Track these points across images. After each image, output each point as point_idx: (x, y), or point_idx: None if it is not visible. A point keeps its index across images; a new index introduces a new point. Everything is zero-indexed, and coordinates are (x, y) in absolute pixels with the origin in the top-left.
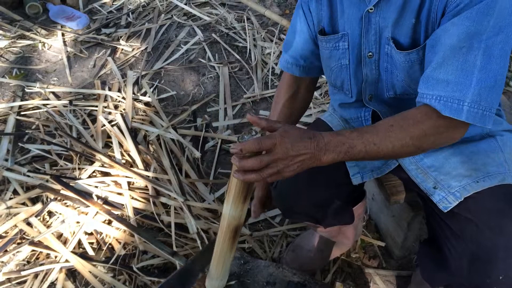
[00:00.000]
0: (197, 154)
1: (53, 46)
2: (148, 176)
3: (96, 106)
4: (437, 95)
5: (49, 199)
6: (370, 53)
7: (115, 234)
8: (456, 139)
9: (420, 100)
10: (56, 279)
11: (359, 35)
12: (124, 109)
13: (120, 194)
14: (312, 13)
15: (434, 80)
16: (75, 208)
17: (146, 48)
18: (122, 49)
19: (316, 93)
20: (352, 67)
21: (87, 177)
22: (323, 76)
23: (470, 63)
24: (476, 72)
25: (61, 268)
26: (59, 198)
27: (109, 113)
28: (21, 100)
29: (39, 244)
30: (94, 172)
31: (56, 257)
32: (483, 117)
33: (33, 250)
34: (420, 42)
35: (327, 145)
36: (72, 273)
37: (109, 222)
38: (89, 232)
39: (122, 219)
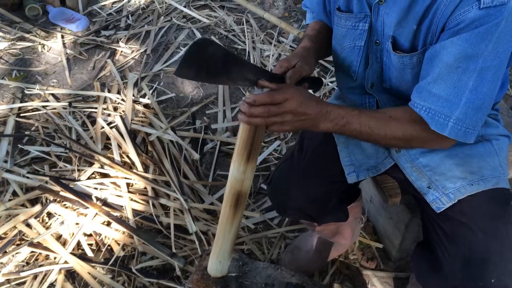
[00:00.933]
0: (196, 156)
1: (53, 48)
2: (147, 178)
3: (96, 108)
4: (427, 107)
5: (48, 201)
6: (377, 41)
7: (114, 235)
8: (446, 147)
9: (412, 107)
10: (55, 280)
11: (370, 22)
12: (123, 111)
13: (119, 195)
14: None
15: (427, 92)
16: (74, 210)
17: (145, 50)
18: (122, 51)
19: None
20: (364, 50)
21: (87, 179)
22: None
23: (463, 83)
24: (467, 92)
25: (60, 269)
26: (58, 199)
27: (109, 115)
28: (21, 102)
29: (38, 245)
30: (93, 173)
31: (55, 258)
32: (465, 134)
33: (32, 251)
34: (418, 48)
35: (328, 114)
36: (71, 274)
37: (108, 224)
38: (88, 233)
39: (121, 221)
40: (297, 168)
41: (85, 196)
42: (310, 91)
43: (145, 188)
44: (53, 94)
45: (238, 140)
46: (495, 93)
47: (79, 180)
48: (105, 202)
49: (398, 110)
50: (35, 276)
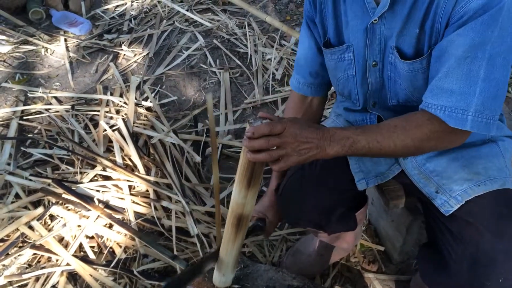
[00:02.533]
0: (198, 158)
1: (56, 52)
2: (149, 180)
3: (98, 111)
4: (442, 105)
5: (50, 203)
6: (374, 62)
7: (116, 237)
8: (457, 144)
9: (425, 109)
10: (57, 282)
11: (364, 46)
12: (125, 114)
13: (121, 198)
14: (317, 26)
15: (439, 89)
16: (77, 212)
17: (148, 54)
18: (124, 55)
19: None
20: (358, 77)
21: (89, 181)
22: None
23: (474, 73)
24: (479, 82)
25: (62, 272)
26: (60, 202)
27: (111, 118)
28: (24, 105)
29: (40, 247)
30: (95, 176)
31: (57, 260)
32: (487, 125)
33: (34, 254)
34: (424, 52)
35: (332, 137)
36: (73, 277)
37: (110, 226)
38: (90, 235)
39: (123, 223)
40: (309, 179)
41: (87, 199)
42: None
43: (147, 190)
44: (56, 97)
45: (238, 167)
46: (508, 78)
47: (81, 183)
48: (107, 205)
49: (401, 118)
50: (37, 278)
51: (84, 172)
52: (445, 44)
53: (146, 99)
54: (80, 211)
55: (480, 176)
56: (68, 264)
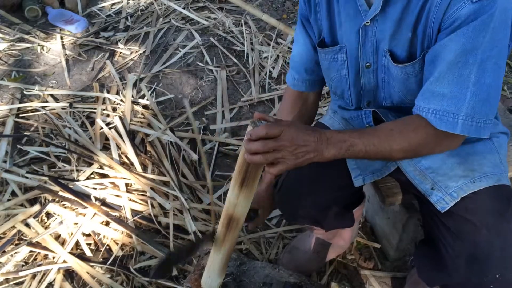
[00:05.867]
0: (195, 156)
1: (52, 49)
2: (147, 178)
3: (95, 109)
4: (433, 109)
5: (47, 201)
6: (368, 64)
7: (113, 235)
8: (453, 148)
9: (417, 112)
10: (54, 280)
11: (357, 48)
12: (122, 112)
13: (118, 195)
14: (312, 25)
15: (430, 93)
16: (73, 210)
17: (144, 52)
18: (121, 53)
19: None
20: (351, 77)
21: (85, 179)
22: None
23: (465, 77)
24: (470, 86)
25: (59, 269)
26: (57, 199)
27: (108, 115)
28: (20, 103)
29: (37, 245)
30: (92, 174)
31: (54, 258)
32: (478, 129)
33: (31, 251)
34: (417, 55)
35: (329, 140)
36: (70, 274)
37: (107, 224)
38: (87, 233)
39: (120, 221)
40: (307, 176)
41: (84, 196)
42: None
43: (144, 188)
44: (52, 95)
45: (236, 165)
46: (500, 83)
47: (78, 180)
48: (103, 202)
49: (398, 122)
50: (34, 276)
51: (81, 170)
52: (438, 48)
53: (142, 97)
54: (77, 208)
55: (475, 172)
56: (64, 262)
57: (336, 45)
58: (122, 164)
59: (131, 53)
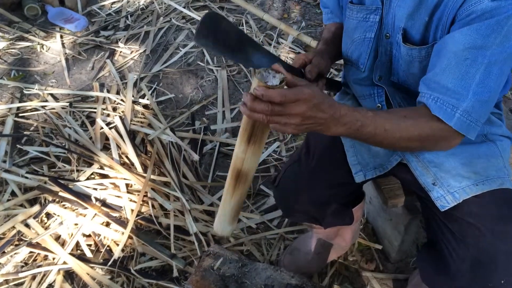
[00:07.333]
0: (196, 157)
1: (52, 48)
2: (147, 178)
3: (95, 109)
4: (436, 96)
5: (47, 201)
6: (387, 34)
7: (113, 236)
8: (450, 148)
9: (420, 99)
10: (54, 281)
11: (381, 14)
12: (122, 112)
13: (118, 196)
14: None
15: (435, 84)
16: (73, 210)
17: (144, 51)
18: (121, 52)
19: None
20: (374, 42)
21: (86, 179)
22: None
23: (470, 75)
24: (473, 85)
25: (59, 270)
26: (57, 200)
27: (108, 115)
28: (20, 102)
29: (37, 245)
30: (92, 174)
31: (54, 259)
32: (469, 127)
33: (31, 252)
34: (429, 41)
35: (341, 117)
36: (70, 275)
37: (107, 224)
38: (87, 234)
39: (120, 221)
40: (305, 171)
41: (84, 197)
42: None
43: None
44: (52, 94)
45: (242, 119)
46: (500, 88)
47: (78, 181)
48: (104, 203)
49: (411, 109)
50: (34, 277)
51: (81, 170)
52: (448, 40)
53: (143, 96)
54: (77, 209)
55: (478, 175)
56: (65, 263)
57: (369, 5)
58: (123, 164)
59: (131, 52)
